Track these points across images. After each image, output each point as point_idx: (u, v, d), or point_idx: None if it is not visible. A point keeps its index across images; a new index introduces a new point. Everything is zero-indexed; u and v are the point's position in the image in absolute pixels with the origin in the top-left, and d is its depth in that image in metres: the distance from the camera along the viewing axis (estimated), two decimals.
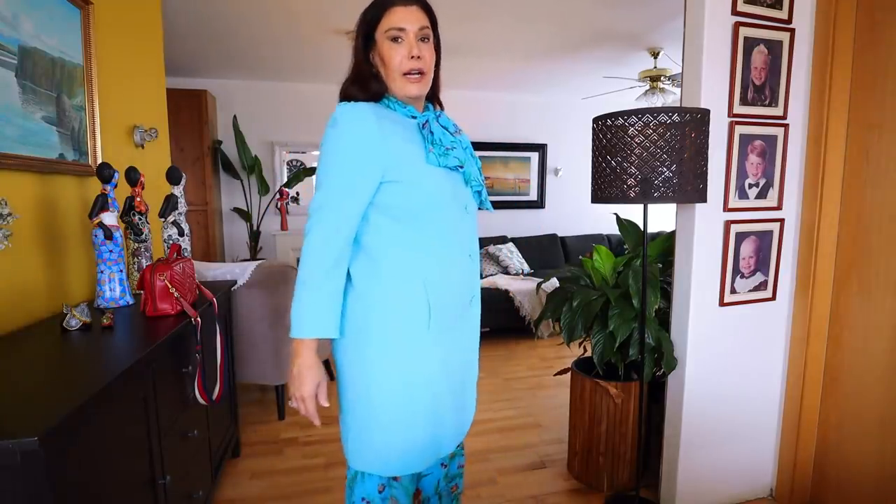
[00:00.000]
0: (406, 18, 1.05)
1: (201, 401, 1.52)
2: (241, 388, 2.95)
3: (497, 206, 5.56)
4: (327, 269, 1.03)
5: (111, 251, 1.60)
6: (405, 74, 1.07)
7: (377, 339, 1.09)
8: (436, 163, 1.07)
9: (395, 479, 1.18)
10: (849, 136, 1.69)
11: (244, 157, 4.67)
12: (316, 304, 1.04)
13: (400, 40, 1.06)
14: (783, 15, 1.70)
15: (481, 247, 4.82)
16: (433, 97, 1.20)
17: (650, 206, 1.63)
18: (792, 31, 1.72)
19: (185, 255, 1.97)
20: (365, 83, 1.10)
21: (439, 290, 1.10)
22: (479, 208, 1.20)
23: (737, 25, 1.65)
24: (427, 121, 1.10)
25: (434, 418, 1.14)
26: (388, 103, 1.11)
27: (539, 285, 2.38)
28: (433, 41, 1.11)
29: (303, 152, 5.15)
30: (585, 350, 2.25)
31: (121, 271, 1.63)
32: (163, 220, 1.93)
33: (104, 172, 1.60)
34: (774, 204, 1.79)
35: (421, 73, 1.07)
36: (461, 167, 1.11)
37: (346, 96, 1.12)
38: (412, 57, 1.06)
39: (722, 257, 1.75)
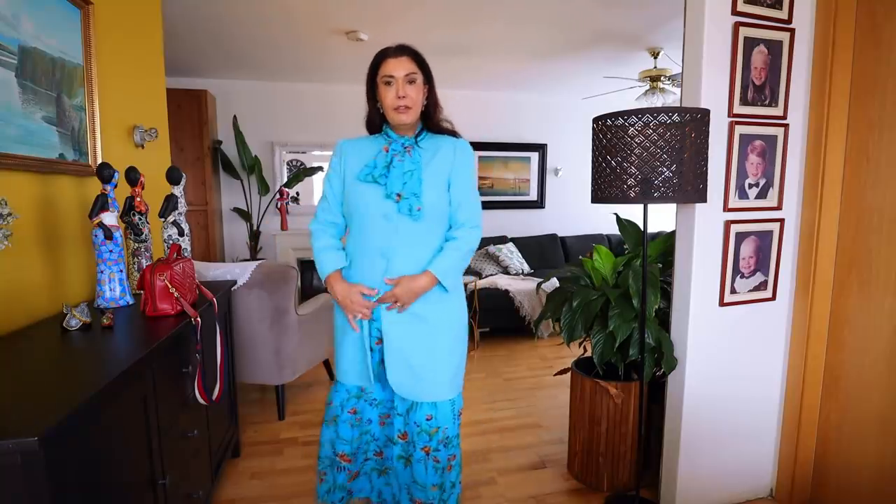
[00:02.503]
0: (395, 68, 1.40)
1: (201, 401, 1.52)
2: (241, 388, 2.95)
3: (497, 205, 5.57)
4: None
5: (111, 251, 1.59)
6: (395, 109, 1.41)
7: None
8: (359, 178, 1.45)
9: None
10: (849, 136, 1.69)
11: (244, 157, 4.68)
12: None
13: (391, 84, 1.41)
14: (783, 15, 1.70)
15: (481, 246, 4.82)
16: (429, 120, 1.50)
17: (650, 206, 1.63)
18: (792, 31, 1.72)
19: (185, 255, 1.97)
20: (370, 125, 1.55)
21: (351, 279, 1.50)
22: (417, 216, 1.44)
23: (737, 25, 1.65)
24: (385, 148, 1.48)
25: None
26: (385, 131, 1.51)
27: (539, 285, 2.38)
28: (422, 79, 1.44)
29: (303, 152, 5.15)
30: (585, 350, 2.25)
31: (121, 271, 1.63)
32: (163, 220, 1.93)
33: (104, 172, 1.60)
34: (774, 204, 1.79)
35: (408, 107, 1.41)
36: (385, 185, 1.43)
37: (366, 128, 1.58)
38: (399, 97, 1.40)
39: (722, 257, 1.75)
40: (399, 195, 1.42)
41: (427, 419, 1.48)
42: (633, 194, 1.52)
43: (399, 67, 1.40)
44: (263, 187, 4.82)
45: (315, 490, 1.65)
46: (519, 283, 4.33)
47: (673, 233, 1.87)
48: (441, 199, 1.46)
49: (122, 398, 1.08)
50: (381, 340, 1.49)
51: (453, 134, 1.55)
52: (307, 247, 5.09)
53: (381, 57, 1.44)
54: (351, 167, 1.50)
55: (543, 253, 5.24)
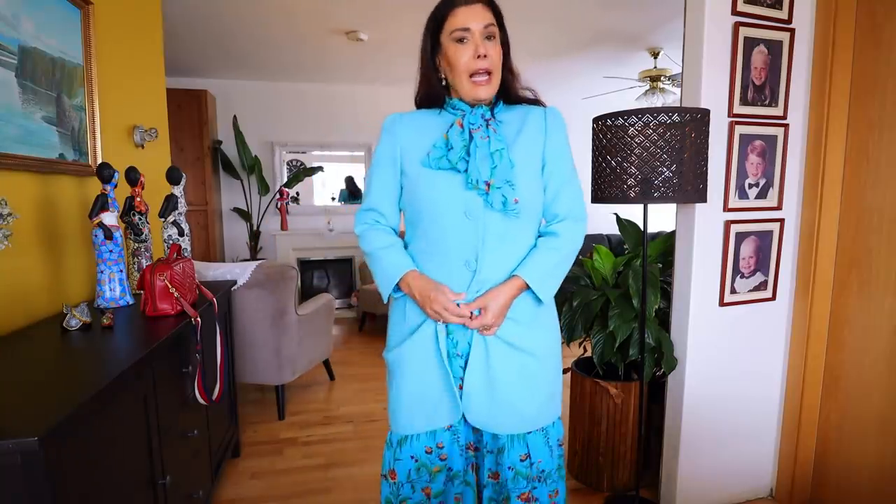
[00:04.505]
0: (470, 17, 1.05)
1: (201, 401, 1.52)
2: (241, 388, 2.95)
3: None
4: None
5: (111, 251, 1.59)
6: (472, 76, 1.07)
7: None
8: (428, 164, 1.10)
9: None
10: (849, 136, 1.69)
11: (244, 157, 4.68)
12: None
13: (465, 41, 1.06)
14: (783, 15, 1.70)
15: None
16: (507, 90, 1.16)
17: (650, 206, 1.63)
18: (792, 31, 1.72)
19: (185, 255, 1.97)
20: (428, 97, 1.17)
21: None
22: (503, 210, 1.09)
23: (737, 25, 1.65)
24: (458, 122, 1.10)
25: None
26: (449, 105, 1.14)
27: None
28: (500, 38, 1.10)
29: (303, 152, 5.15)
30: (585, 350, 2.25)
31: (121, 271, 1.63)
32: (163, 220, 1.93)
33: (104, 172, 1.60)
34: (774, 204, 1.79)
35: (488, 72, 1.07)
36: (465, 171, 1.07)
37: (417, 104, 1.21)
38: (478, 56, 1.05)
39: (722, 257, 1.75)
40: (488, 184, 1.06)
41: (521, 460, 1.17)
42: (633, 194, 1.52)
43: (475, 17, 1.05)
44: (263, 187, 4.82)
45: None
46: None
47: (673, 233, 1.87)
48: (538, 187, 1.14)
49: (122, 398, 1.08)
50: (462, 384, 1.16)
51: (537, 102, 1.20)
52: (307, 247, 5.10)
53: (449, 6, 1.08)
54: (410, 149, 1.13)
55: None
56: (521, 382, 1.13)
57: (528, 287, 1.10)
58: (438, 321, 1.11)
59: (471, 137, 1.08)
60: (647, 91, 4.33)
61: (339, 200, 5.35)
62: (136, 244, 1.83)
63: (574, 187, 1.17)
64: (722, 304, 1.78)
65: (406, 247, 1.20)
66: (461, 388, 1.15)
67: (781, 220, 1.80)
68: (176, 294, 1.49)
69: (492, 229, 1.09)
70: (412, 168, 1.13)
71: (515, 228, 1.11)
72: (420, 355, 1.14)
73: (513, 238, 1.11)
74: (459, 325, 1.12)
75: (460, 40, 1.06)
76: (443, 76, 1.13)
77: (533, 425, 1.16)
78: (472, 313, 1.09)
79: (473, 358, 1.12)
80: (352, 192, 5.36)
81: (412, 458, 1.18)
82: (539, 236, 1.18)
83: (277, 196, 4.95)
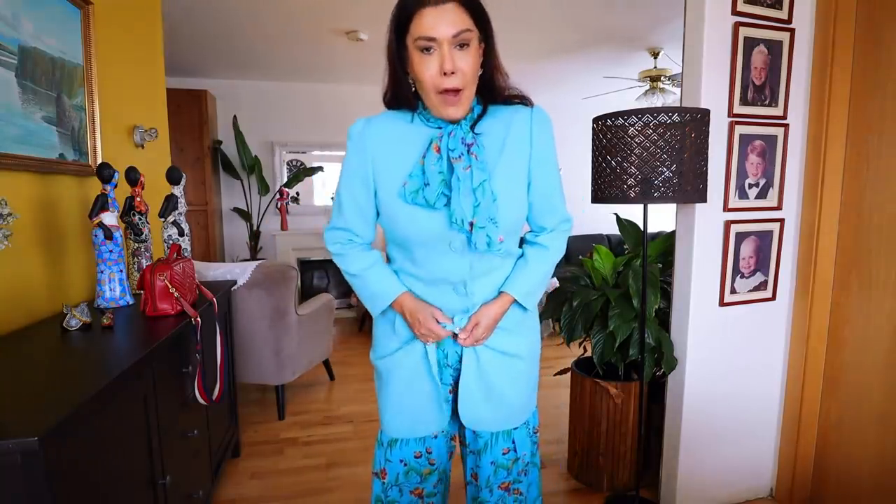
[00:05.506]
0: (438, 22, 0.89)
1: (201, 401, 1.52)
2: (241, 388, 2.95)
3: None
4: None
5: (111, 251, 1.59)
6: (439, 93, 0.94)
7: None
8: (404, 198, 1.00)
9: None
10: (849, 136, 1.69)
11: (244, 157, 4.68)
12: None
13: (432, 50, 0.91)
14: (783, 15, 1.70)
15: None
16: (489, 92, 1.03)
17: (650, 206, 1.63)
18: (792, 31, 1.72)
19: (185, 255, 1.97)
20: (397, 98, 1.04)
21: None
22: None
23: (737, 25, 1.65)
24: (435, 146, 0.99)
25: None
26: (422, 112, 1.02)
27: None
28: (478, 38, 0.94)
29: (303, 152, 5.15)
30: (585, 350, 2.25)
31: (121, 271, 1.63)
32: (163, 220, 1.93)
33: (104, 172, 1.60)
34: (774, 204, 1.79)
35: (457, 90, 0.93)
36: (445, 204, 0.99)
37: (386, 104, 1.08)
38: (445, 73, 0.91)
39: (722, 257, 1.75)
40: (472, 224, 0.98)
41: (504, 453, 1.19)
42: (633, 194, 1.52)
43: (443, 21, 0.89)
44: (263, 187, 4.82)
45: None
46: None
47: (673, 233, 1.87)
48: (521, 213, 1.08)
49: (122, 398, 1.08)
50: (453, 389, 1.18)
51: (522, 101, 1.07)
52: (307, 247, 5.10)
53: (414, 4, 0.91)
54: (383, 171, 1.03)
55: None
56: (512, 383, 1.15)
57: (516, 300, 1.11)
58: (427, 342, 1.10)
59: (450, 167, 0.98)
60: (647, 91, 4.33)
61: None
62: (136, 244, 1.83)
63: (559, 195, 1.14)
64: (722, 304, 1.78)
65: (389, 260, 1.17)
66: (452, 392, 1.17)
67: (781, 220, 1.80)
68: (176, 294, 1.49)
69: (479, 261, 1.06)
70: (388, 197, 1.03)
71: (499, 264, 1.11)
72: (409, 368, 1.13)
73: (500, 265, 1.11)
74: (448, 338, 1.12)
75: (426, 49, 0.91)
76: (412, 81, 0.99)
77: (520, 420, 1.19)
78: (457, 331, 1.09)
79: (466, 366, 1.12)
80: None
81: (401, 461, 1.18)
82: (525, 242, 1.16)
83: (277, 196, 4.95)
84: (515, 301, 1.11)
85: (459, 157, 0.97)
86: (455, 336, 1.10)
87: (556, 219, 1.14)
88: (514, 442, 1.19)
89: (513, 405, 1.16)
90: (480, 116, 1.03)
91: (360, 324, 4.60)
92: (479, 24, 0.94)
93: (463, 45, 0.92)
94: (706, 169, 1.55)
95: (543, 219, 1.13)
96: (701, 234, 1.73)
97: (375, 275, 1.10)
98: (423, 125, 1.03)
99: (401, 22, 0.94)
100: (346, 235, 1.11)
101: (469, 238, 1.00)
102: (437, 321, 1.07)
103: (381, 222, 1.11)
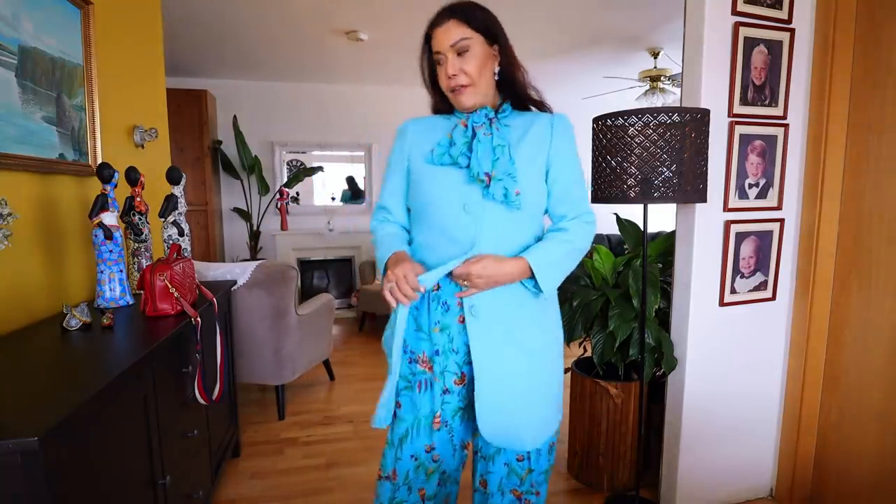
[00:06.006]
0: (441, 40, 1.10)
1: (201, 401, 1.52)
2: (241, 388, 2.95)
3: None
4: None
5: (111, 251, 1.59)
6: (451, 91, 1.13)
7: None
8: (431, 160, 1.14)
9: None
10: (849, 136, 1.69)
11: (244, 157, 4.68)
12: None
13: (441, 62, 1.12)
14: (783, 15, 1.70)
15: None
16: (508, 88, 1.18)
17: (650, 206, 1.63)
18: (792, 31, 1.72)
19: (185, 255, 1.97)
20: (436, 107, 1.25)
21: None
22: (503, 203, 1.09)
23: (737, 25, 1.65)
24: (462, 122, 1.15)
25: None
26: (457, 113, 1.19)
27: None
28: (481, 43, 1.10)
29: (303, 152, 5.15)
30: (585, 350, 2.25)
31: (121, 271, 1.63)
32: (163, 220, 1.93)
33: (104, 172, 1.60)
34: (774, 204, 1.79)
35: (462, 85, 1.11)
36: (467, 166, 1.10)
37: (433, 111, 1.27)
38: (449, 76, 1.11)
39: (722, 257, 1.75)
40: (489, 175, 1.08)
41: (518, 460, 1.19)
42: (633, 194, 1.52)
43: (445, 37, 1.09)
44: (263, 187, 4.82)
45: None
46: None
47: (673, 233, 1.87)
48: (538, 191, 1.13)
49: (122, 398, 1.08)
50: (461, 380, 1.16)
51: (542, 107, 1.21)
52: (307, 247, 5.10)
53: (430, 28, 1.13)
54: (417, 149, 1.18)
55: None
56: (528, 391, 1.13)
57: (531, 276, 1.09)
58: (389, 289, 1.06)
59: (474, 134, 1.11)
60: (647, 91, 4.33)
61: (342, 200, 5.36)
62: (136, 244, 1.83)
63: (580, 190, 1.17)
64: (722, 304, 1.78)
65: (411, 242, 1.23)
66: (458, 384, 1.15)
67: (781, 220, 1.80)
68: (176, 294, 1.49)
69: (489, 224, 1.10)
70: (417, 165, 1.17)
71: (514, 224, 1.11)
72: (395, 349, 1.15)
73: (511, 234, 1.12)
74: (454, 320, 1.12)
75: (439, 62, 1.13)
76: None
77: (542, 440, 1.16)
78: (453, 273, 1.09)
79: (480, 370, 1.10)
80: (354, 193, 5.37)
81: (412, 457, 1.18)
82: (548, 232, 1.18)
83: (277, 196, 4.96)
84: (533, 281, 1.10)
85: (482, 125, 1.13)
86: (450, 275, 1.09)
87: (576, 210, 1.16)
88: (528, 453, 1.18)
89: (523, 417, 1.13)
90: (501, 109, 1.17)
91: (361, 324, 4.60)
92: (482, 31, 1.10)
93: (462, 52, 1.10)
94: (706, 169, 1.55)
95: (562, 207, 1.16)
96: (701, 234, 1.73)
97: (389, 239, 1.20)
98: (457, 118, 1.18)
99: (426, 42, 1.16)
100: (383, 214, 1.27)
101: (485, 193, 1.09)
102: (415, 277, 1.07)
103: (408, 197, 1.22)
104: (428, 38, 1.15)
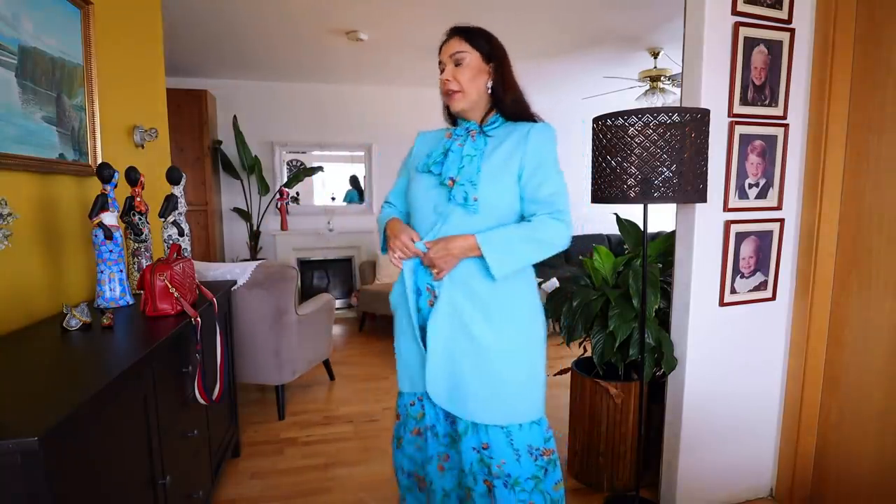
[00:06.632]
0: (444, 51, 1.30)
1: (201, 401, 1.52)
2: (241, 388, 2.95)
3: None
4: None
5: (111, 251, 1.59)
6: (444, 95, 1.31)
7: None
8: (416, 168, 1.35)
9: None
10: (849, 136, 1.69)
11: (244, 157, 4.68)
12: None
13: (442, 69, 1.31)
14: (783, 15, 1.70)
15: None
16: (499, 103, 1.31)
17: (650, 206, 1.63)
18: (792, 31, 1.72)
19: (185, 255, 1.97)
20: (445, 113, 1.41)
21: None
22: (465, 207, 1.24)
23: (737, 25, 1.65)
24: (449, 133, 1.36)
25: None
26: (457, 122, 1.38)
27: (539, 285, 2.38)
28: (476, 58, 1.27)
29: (303, 152, 5.16)
30: (585, 350, 2.25)
31: (121, 271, 1.63)
32: (163, 220, 1.93)
33: (104, 172, 1.60)
34: (774, 204, 1.79)
35: (452, 91, 1.28)
36: (439, 173, 1.28)
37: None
38: (444, 80, 1.29)
39: (722, 257, 1.75)
40: (452, 180, 1.23)
41: (483, 448, 1.26)
42: (633, 194, 1.52)
43: (446, 50, 1.29)
44: (263, 187, 4.82)
45: None
46: None
47: (673, 233, 1.87)
48: (503, 195, 1.23)
49: (122, 398, 1.08)
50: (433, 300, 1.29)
51: (531, 118, 1.32)
52: (307, 247, 5.11)
53: (441, 45, 1.33)
54: (417, 159, 1.39)
55: None
56: (475, 371, 1.24)
57: (479, 251, 1.20)
58: (394, 255, 1.28)
59: (451, 146, 1.30)
60: (647, 91, 4.33)
61: (346, 200, 5.36)
62: (136, 244, 1.83)
63: (552, 189, 1.24)
64: (722, 304, 1.78)
65: None
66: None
67: (781, 220, 1.80)
68: (176, 294, 1.49)
69: (452, 224, 1.23)
70: (412, 172, 1.38)
71: (474, 226, 1.22)
72: (402, 315, 1.34)
73: (467, 233, 1.23)
74: (425, 304, 1.29)
75: (441, 71, 1.31)
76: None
77: (485, 418, 1.24)
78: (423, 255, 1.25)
79: (430, 332, 1.25)
80: (359, 193, 5.38)
81: (404, 406, 1.41)
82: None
83: (277, 196, 4.96)
84: (482, 262, 1.20)
85: (458, 138, 1.31)
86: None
87: (546, 208, 1.24)
88: (488, 436, 1.25)
89: (469, 388, 1.24)
90: (488, 121, 1.32)
91: (361, 324, 4.60)
92: (479, 49, 1.28)
93: (459, 63, 1.28)
94: (706, 169, 1.55)
95: (532, 206, 1.26)
96: (701, 234, 1.73)
97: (389, 211, 1.45)
98: (451, 129, 1.38)
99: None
100: (389, 205, 1.48)
101: (450, 196, 1.24)
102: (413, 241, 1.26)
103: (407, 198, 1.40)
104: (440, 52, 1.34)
